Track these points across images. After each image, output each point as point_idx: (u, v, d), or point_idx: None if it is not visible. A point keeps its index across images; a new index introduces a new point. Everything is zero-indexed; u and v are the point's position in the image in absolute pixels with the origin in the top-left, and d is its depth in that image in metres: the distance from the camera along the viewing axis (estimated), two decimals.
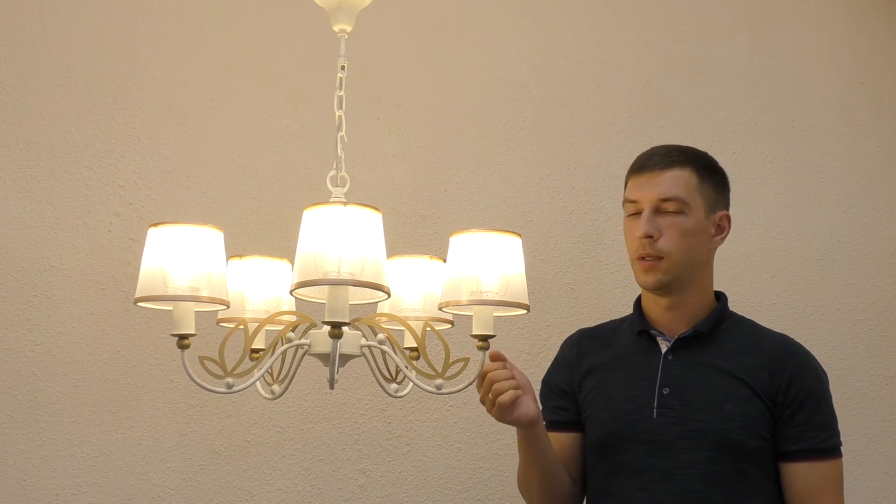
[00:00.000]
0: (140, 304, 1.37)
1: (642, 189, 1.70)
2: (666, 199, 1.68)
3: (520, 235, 1.43)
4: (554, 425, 1.78)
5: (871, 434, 2.35)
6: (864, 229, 2.47)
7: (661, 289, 1.70)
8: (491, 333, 1.41)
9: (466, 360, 1.44)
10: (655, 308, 1.74)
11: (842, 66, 2.55)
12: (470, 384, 1.45)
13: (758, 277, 2.41)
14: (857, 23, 2.57)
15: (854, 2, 2.58)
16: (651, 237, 1.66)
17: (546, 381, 1.85)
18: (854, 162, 2.50)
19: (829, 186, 2.48)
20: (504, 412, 1.58)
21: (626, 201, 1.74)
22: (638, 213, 1.70)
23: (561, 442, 1.77)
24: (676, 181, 1.69)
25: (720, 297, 1.78)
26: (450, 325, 1.54)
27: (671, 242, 1.67)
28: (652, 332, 1.73)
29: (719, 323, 1.73)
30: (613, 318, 1.88)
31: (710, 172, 1.74)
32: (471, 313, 1.42)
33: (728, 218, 1.76)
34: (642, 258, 1.68)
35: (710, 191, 1.73)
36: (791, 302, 2.41)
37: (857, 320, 2.42)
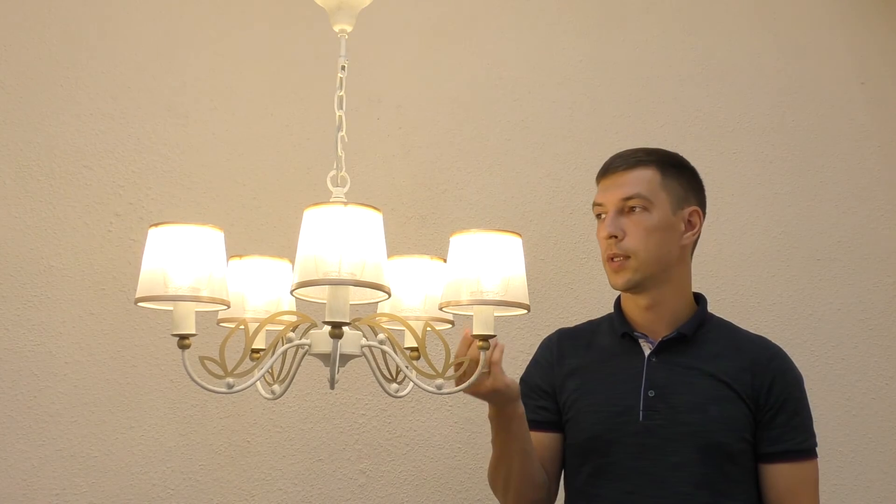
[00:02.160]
0: (140, 304, 1.37)
1: (607, 191, 1.73)
2: (628, 198, 1.70)
3: (520, 235, 1.42)
4: (534, 425, 1.77)
5: (871, 434, 2.35)
6: (864, 229, 2.47)
7: (632, 288, 1.71)
8: (491, 333, 1.41)
9: (467, 360, 1.43)
10: (635, 309, 1.75)
11: (842, 66, 2.55)
12: (470, 384, 1.45)
13: (758, 277, 2.41)
14: (857, 23, 2.57)
15: (854, 2, 2.58)
16: (615, 237, 1.69)
17: (525, 381, 1.84)
18: (854, 162, 2.50)
19: (829, 186, 2.48)
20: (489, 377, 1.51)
21: (594, 205, 1.76)
22: (605, 216, 1.72)
23: (540, 441, 1.76)
24: (638, 180, 1.71)
25: (699, 298, 1.78)
26: (450, 325, 1.54)
27: (636, 240, 1.68)
28: (635, 334, 1.74)
29: (701, 325, 1.74)
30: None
31: (675, 170, 1.75)
32: (471, 313, 1.42)
33: (699, 213, 1.76)
34: (611, 258, 1.70)
35: (676, 187, 1.73)
36: (791, 302, 2.41)
37: (857, 320, 2.42)
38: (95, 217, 2.14)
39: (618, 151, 1.78)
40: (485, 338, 1.41)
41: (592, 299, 2.33)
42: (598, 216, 1.75)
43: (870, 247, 2.46)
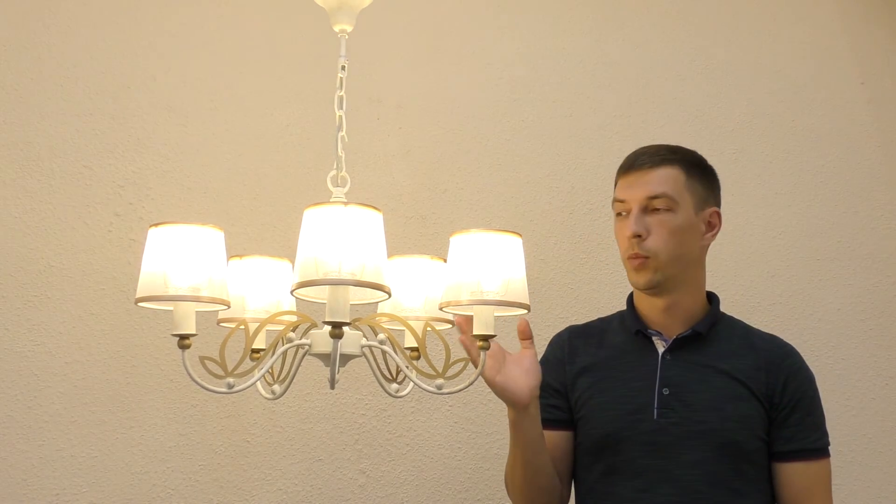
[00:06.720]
0: (140, 304, 1.37)
1: (631, 188, 1.71)
2: (654, 197, 1.68)
3: (520, 235, 1.42)
4: (545, 423, 1.77)
5: (871, 434, 2.35)
6: (864, 229, 2.47)
7: (653, 288, 1.70)
8: (491, 333, 1.41)
9: (467, 360, 1.43)
10: (651, 309, 1.74)
11: (842, 66, 2.55)
12: (470, 384, 1.45)
13: (758, 277, 2.41)
14: (857, 23, 2.57)
15: (854, 2, 2.58)
16: (639, 236, 1.67)
17: None
18: (854, 162, 2.50)
19: (830, 186, 2.48)
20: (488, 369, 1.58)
21: (615, 201, 1.75)
22: (627, 213, 1.71)
23: (551, 440, 1.75)
24: (664, 179, 1.70)
25: (712, 297, 1.78)
26: (450, 325, 1.54)
27: (659, 241, 1.67)
28: (649, 331, 1.73)
29: (714, 323, 1.74)
30: None
31: (699, 170, 1.74)
32: (471, 313, 1.42)
33: (718, 214, 1.76)
34: (632, 258, 1.69)
35: (698, 188, 1.73)
36: (791, 302, 2.41)
37: (857, 320, 2.42)
38: (95, 217, 2.14)
39: (640, 147, 1.76)
40: (485, 338, 1.41)
41: (592, 299, 2.33)
42: (619, 213, 1.73)
43: (870, 247, 2.46)
